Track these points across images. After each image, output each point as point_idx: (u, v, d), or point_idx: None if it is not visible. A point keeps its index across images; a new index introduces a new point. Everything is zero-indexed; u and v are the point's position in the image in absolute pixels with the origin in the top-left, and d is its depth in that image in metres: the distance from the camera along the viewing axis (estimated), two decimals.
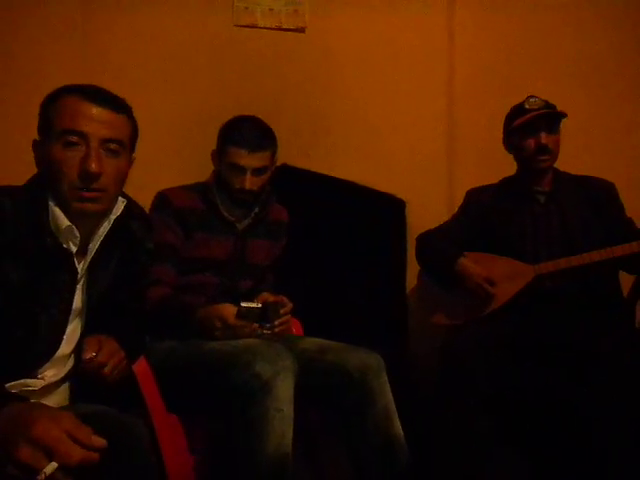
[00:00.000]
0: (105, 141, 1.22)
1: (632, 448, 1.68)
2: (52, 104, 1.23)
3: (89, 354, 1.27)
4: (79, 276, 1.27)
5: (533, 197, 2.12)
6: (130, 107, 1.30)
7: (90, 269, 1.30)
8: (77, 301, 1.29)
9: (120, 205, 1.30)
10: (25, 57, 2.17)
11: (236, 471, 1.45)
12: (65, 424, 0.89)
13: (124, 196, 1.33)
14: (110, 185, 1.23)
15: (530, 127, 2.04)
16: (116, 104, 1.26)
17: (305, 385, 1.58)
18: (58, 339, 1.25)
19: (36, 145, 1.26)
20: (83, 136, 1.20)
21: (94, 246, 1.27)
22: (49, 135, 1.21)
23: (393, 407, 1.67)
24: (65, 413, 0.93)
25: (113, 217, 1.28)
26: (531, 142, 2.05)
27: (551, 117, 2.06)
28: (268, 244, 1.99)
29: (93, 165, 1.18)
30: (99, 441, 0.90)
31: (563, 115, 2.06)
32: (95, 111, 1.21)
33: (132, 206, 1.37)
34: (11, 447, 0.86)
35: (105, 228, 1.28)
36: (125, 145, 1.27)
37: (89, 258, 1.28)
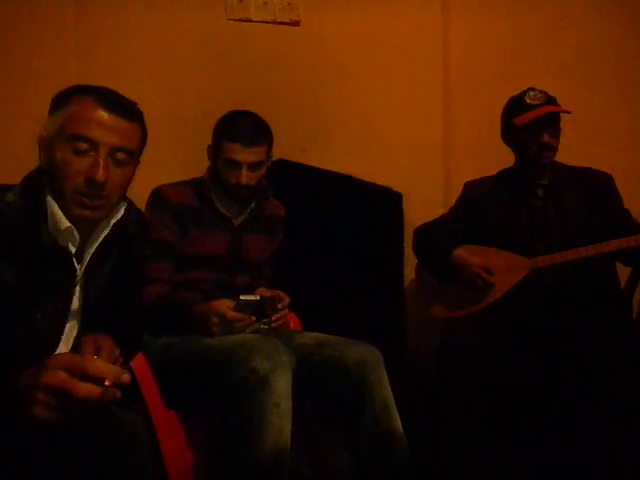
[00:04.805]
0: (115, 150, 1.21)
1: (631, 442, 1.68)
2: (65, 104, 1.20)
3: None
4: (77, 277, 1.27)
5: (532, 190, 2.10)
6: (142, 113, 1.29)
7: (87, 270, 1.29)
8: (75, 302, 1.28)
9: (121, 209, 1.29)
10: (17, 54, 2.16)
11: (234, 467, 1.45)
12: (64, 362, 0.93)
13: (124, 199, 1.32)
14: (113, 193, 1.23)
15: (533, 125, 2.00)
16: (130, 112, 1.24)
17: (303, 379, 1.59)
18: (56, 339, 1.25)
19: (42, 140, 1.22)
20: (93, 143, 1.18)
21: (92, 248, 1.27)
22: (58, 136, 1.19)
23: (392, 400, 1.66)
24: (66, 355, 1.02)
25: (113, 221, 1.28)
26: (534, 141, 2.02)
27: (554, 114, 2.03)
28: (265, 239, 1.99)
29: (100, 174, 1.18)
30: (110, 373, 0.94)
31: (566, 112, 2.01)
32: (108, 118, 1.19)
33: (131, 209, 1.36)
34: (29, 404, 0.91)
35: (104, 231, 1.27)
36: (134, 154, 1.26)
37: (87, 259, 1.27)
